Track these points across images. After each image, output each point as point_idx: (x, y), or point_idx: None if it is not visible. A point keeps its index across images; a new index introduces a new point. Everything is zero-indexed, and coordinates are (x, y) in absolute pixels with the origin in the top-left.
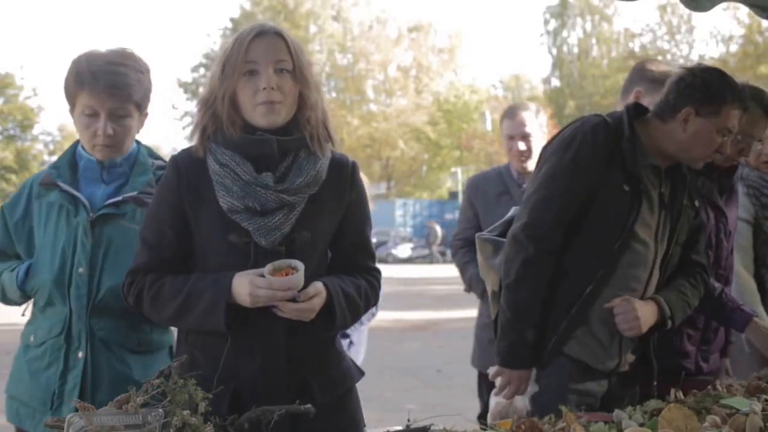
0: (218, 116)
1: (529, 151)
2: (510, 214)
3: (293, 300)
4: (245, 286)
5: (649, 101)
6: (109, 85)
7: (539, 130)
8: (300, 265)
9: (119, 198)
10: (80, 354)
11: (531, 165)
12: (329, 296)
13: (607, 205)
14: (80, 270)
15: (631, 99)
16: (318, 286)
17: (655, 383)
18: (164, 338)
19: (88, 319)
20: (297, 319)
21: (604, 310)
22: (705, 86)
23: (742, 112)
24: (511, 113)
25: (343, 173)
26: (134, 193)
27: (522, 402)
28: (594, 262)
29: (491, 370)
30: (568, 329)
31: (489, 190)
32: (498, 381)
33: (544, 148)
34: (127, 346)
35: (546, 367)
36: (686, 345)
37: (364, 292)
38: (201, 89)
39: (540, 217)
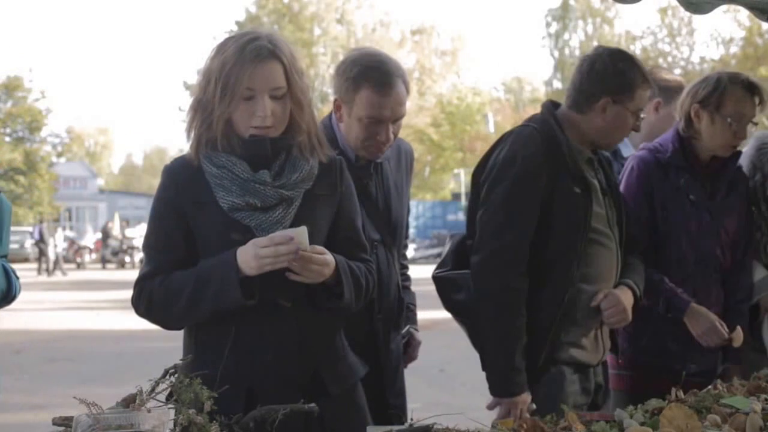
0: (213, 129)
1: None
2: (452, 243)
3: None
4: (249, 252)
5: (666, 111)
6: None
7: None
8: (301, 227)
9: None
10: None
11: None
12: (336, 267)
13: (564, 210)
14: None
15: (651, 109)
16: (324, 249)
17: (620, 361)
18: None
19: None
20: (313, 282)
21: (588, 308)
22: (618, 74)
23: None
24: (384, 86)
25: (333, 169)
26: None
27: None
28: (567, 265)
29: (488, 402)
30: (557, 336)
31: None
32: (497, 411)
33: (479, 172)
34: None
35: (540, 379)
36: (671, 345)
37: (365, 275)
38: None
39: (505, 241)
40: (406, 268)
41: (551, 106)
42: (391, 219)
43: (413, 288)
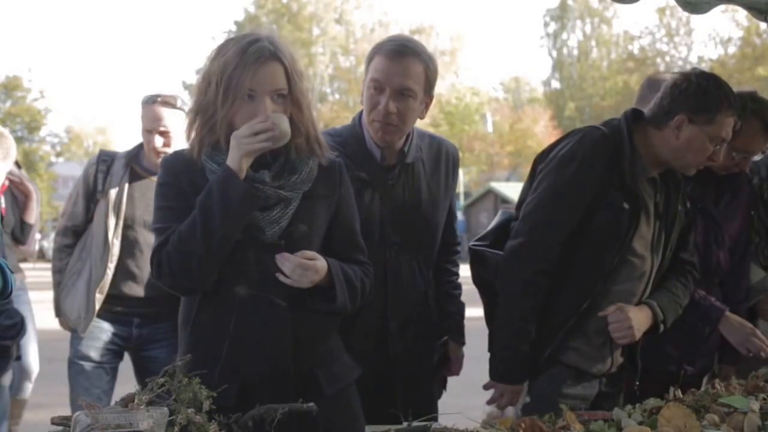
0: (215, 131)
1: None
2: (499, 219)
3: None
4: (233, 150)
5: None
6: None
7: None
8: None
9: None
10: None
11: None
12: (328, 269)
13: (606, 222)
14: None
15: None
16: (316, 254)
17: (638, 383)
18: None
19: None
20: (302, 286)
21: (600, 320)
22: (699, 93)
23: (736, 120)
24: (394, 53)
25: (333, 171)
26: None
27: (513, 412)
28: (591, 278)
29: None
30: (565, 340)
31: None
32: (491, 392)
33: (540, 159)
34: None
35: (539, 375)
36: (668, 348)
37: (360, 278)
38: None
39: (540, 238)
40: (455, 275)
41: (632, 114)
42: (419, 222)
43: None
